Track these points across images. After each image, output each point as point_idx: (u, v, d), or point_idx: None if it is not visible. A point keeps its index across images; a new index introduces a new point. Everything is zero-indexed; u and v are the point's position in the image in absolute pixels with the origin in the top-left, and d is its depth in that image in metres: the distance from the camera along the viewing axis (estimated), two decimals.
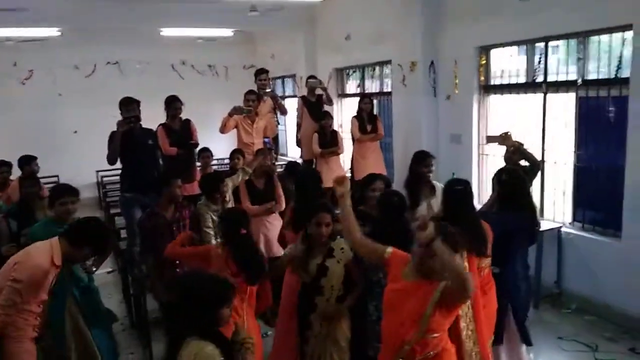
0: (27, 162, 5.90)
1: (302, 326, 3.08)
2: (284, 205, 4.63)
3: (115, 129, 5.05)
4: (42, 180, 4.89)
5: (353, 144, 6.78)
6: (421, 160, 4.19)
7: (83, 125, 10.00)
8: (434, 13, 6.19)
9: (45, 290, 2.66)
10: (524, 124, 5.50)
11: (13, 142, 8.57)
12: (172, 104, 5.57)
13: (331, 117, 6.67)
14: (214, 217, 4.00)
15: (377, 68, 7.89)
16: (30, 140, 8.50)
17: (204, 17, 8.31)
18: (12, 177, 5.97)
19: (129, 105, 5.00)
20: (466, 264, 2.77)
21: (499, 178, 3.48)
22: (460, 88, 5.99)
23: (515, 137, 4.27)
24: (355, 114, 6.68)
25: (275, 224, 4.62)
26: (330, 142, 6.53)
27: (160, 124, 5.57)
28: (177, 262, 3.86)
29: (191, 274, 2.55)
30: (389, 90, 7.36)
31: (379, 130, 6.58)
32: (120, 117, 5.06)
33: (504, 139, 4.27)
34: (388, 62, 7.20)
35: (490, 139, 4.58)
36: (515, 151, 4.18)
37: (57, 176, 9.01)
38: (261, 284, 3.14)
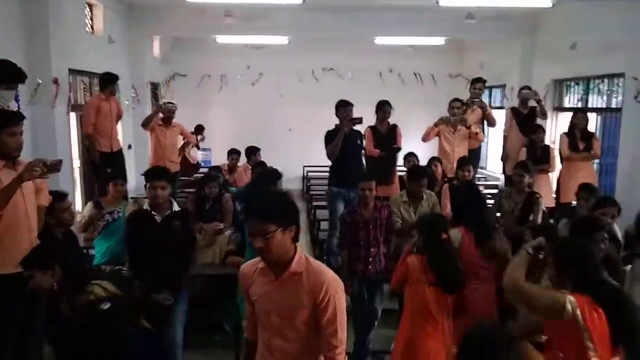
0: (254, 152, 6.76)
1: None
2: None
3: (326, 129, 5.50)
4: None
5: (561, 162, 6.16)
6: None
7: (297, 124, 11.01)
8: None
9: None
10: None
11: (240, 133, 9.90)
12: (382, 107, 5.80)
13: (543, 131, 6.18)
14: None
15: (606, 81, 7.02)
16: (253, 134, 9.66)
17: (418, 26, 8.45)
18: (239, 164, 6.91)
19: (346, 107, 5.42)
20: None
21: None
22: None
23: None
24: (567, 130, 6.06)
25: None
26: (540, 158, 6.02)
27: (369, 126, 5.86)
28: (371, 259, 4.02)
29: None
30: (618, 106, 6.49)
31: (594, 149, 5.85)
32: (332, 117, 5.49)
33: None
34: (620, 75, 6.36)
35: None
36: None
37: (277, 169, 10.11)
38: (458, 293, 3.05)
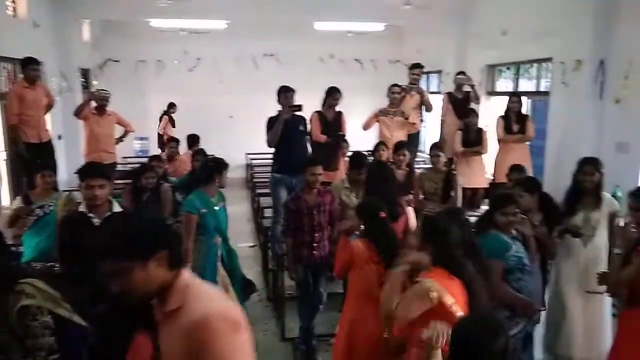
0: (194, 140, 6.60)
1: None
2: None
3: (268, 115, 5.45)
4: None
5: (498, 144, 6.44)
6: (579, 167, 3.82)
7: (238, 111, 10.83)
8: (608, 6, 5.61)
9: None
10: None
11: (179, 121, 9.65)
12: (332, 94, 5.82)
13: (477, 115, 6.41)
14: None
15: (534, 66, 7.37)
16: (193, 122, 9.43)
17: (357, 11, 8.48)
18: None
19: (287, 93, 5.36)
20: None
21: None
22: (634, 91, 5.35)
23: None
24: (503, 113, 6.34)
25: None
26: (474, 141, 6.28)
27: (316, 111, 5.86)
28: (316, 244, 4.05)
29: None
30: (546, 90, 6.83)
31: (528, 131, 6.15)
32: (273, 104, 5.43)
33: None
34: (548, 59, 6.69)
35: None
36: None
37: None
38: None
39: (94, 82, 9.60)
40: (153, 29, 9.79)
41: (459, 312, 2.21)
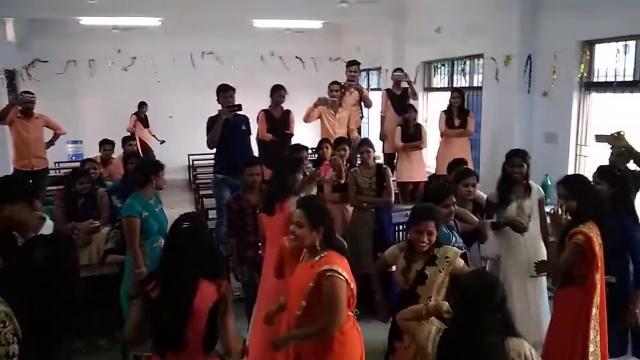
0: (123, 142, 6.36)
1: (392, 335, 2.96)
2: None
3: (210, 114, 5.33)
4: None
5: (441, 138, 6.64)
6: (508, 159, 3.98)
7: (178, 111, 10.57)
8: (533, 3, 5.89)
9: None
10: (630, 126, 5.08)
11: (116, 123, 9.26)
12: (277, 91, 5.79)
13: (415, 111, 6.57)
14: None
15: (468, 62, 7.64)
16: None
17: (294, 9, 8.46)
18: (113, 156, 6.47)
19: (226, 92, 5.25)
20: None
21: (609, 173, 3.25)
22: (559, 84, 5.66)
23: (627, 139, 3.93)
24: (445, 108, 6.54)
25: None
26: (413, 136, 6.44)
27: (263, 110, 5.80)
28: (261, 244, 4.01)
29: None
30: (479, 85, 7.10)
31: (469, 126, 6.37)
32: (213, 103, 5.32)
33: (615, 139, 3.94)
34: (480, 55, 6.96)
35: (600, 139, 4.21)
36: (623, 153, 3.86)
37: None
38: None
39: (22, 84, 9.08)
40: (84, 27, 9.38)
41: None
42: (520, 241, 3.86)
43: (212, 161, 5.87)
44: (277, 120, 5.82)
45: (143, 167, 3.84)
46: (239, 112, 5.30)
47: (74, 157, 9.60)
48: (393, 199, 4.90)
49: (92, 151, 7.96)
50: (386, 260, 3.07)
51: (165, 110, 10.60)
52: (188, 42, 10.36)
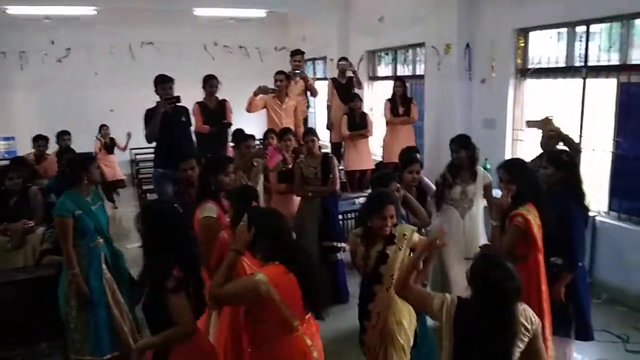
0: (58, 137, 6.06)
1: (361, 316, 3.02)
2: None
3: (149, 107, 5.13)
4: None
5: (386, 126, 6.73)
6: (449, 146, 4.10)
7: (118, 104, 10.16)
8: None
9: None
10: (562, 110, 5.34)
11: (50, 118, 8.83)
12: (209, 82, 5.65)
13: (360, 100, 6.62)
14: None
15: (410, 51, 7.76)
16: (67, 118, 8.70)
17: None
18: (48, 152, 6.17)
19: (165, 84, 5.04)
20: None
21: (556, 158, 3.39)
22: (496, 71, 5.85)
23: (555, 123, 4.14)
24: (390, 97, 6.62)
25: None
26: (359, 124, 6.50)
27: (197, 102, 5.66)
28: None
29: None
30: (422, 73, 7.24)
31: (412, 113, 6.49)
32: (154, 95, 5.13)
33: (545, 123, 4.15)
34: (421, 44, 7.08)
35: (531, 124, 4.45)
36: (553, 136, 4.06)
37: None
38: None
39: None
40: (11, 16, 8.83)
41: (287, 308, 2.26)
42: (460, 225, 3.97)
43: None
44: (212, 111, 5.68)
45: (71, 164, 3.63)
46: (178, 104, 5.13)
47: (6, 155, 9.07)
48: (339, 187, 4.93)
49: (26, 148, 7.56)
50: (354, 251, 3.10)
51: (105, 104, 10.18)
52: (126, 32, 9.98)
